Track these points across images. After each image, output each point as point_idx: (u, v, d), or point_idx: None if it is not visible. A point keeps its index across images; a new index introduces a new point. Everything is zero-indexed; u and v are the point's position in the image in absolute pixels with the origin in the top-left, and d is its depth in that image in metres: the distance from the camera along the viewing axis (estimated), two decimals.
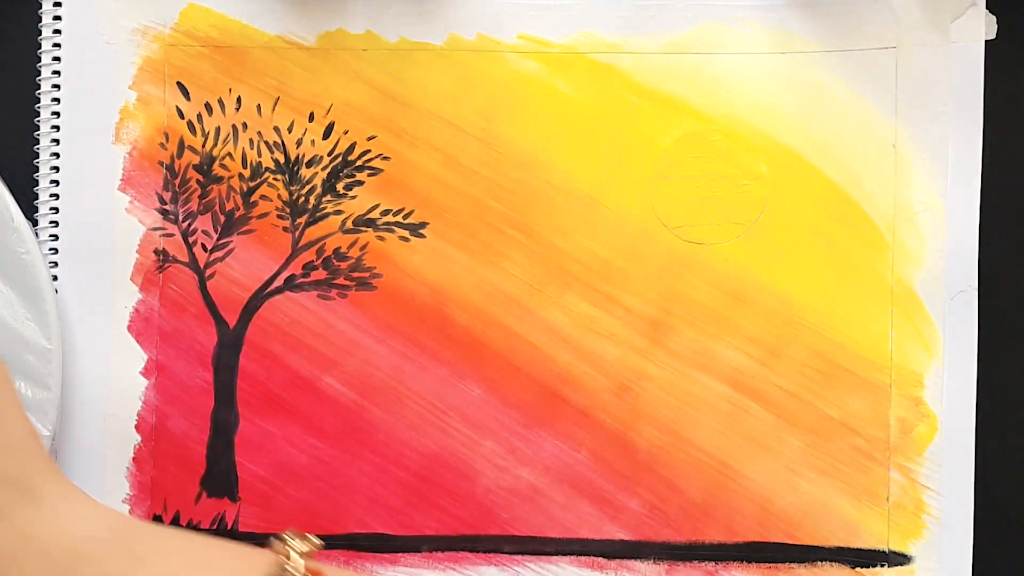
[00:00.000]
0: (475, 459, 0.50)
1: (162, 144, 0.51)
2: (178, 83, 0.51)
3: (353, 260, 0.51)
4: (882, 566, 0.50)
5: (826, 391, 0.50)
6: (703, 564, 0.50)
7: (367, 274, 0.51)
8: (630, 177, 0.50)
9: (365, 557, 0.50)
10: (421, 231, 0.50)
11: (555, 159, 0.50)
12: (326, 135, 0.51)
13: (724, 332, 0.50)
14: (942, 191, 0.50)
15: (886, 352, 0.50)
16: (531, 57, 0.50)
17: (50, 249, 0.50)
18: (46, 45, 0.50)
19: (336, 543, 0.50)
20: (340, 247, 0.51)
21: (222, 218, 0.51)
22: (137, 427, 0.50)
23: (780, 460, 0.50)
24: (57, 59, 0.50)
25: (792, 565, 0.50)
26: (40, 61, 0.51)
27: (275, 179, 0.51)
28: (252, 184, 0.51)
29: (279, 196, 0.51)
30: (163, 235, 0.50)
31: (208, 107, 0.51)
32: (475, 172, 0.50)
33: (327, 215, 0.51)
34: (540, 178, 0.50)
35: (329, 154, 0.51)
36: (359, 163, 0.51)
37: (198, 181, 0.51)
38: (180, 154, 0.51)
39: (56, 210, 0.50)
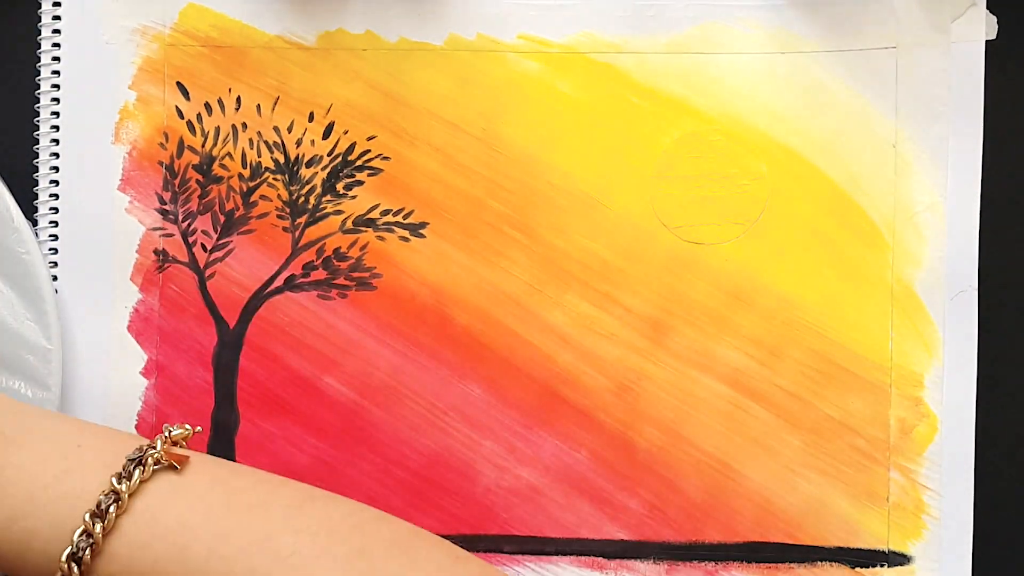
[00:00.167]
0: (475, 459, 0.50)
1: (162, 144, 0.51)
2: (178, 83, 0.51)
3: (353, 260, 0.51)
4: (882, 566, 0.50)
5: (826, 391, 0.50)
6: (703, 564, 0.50)
7: (367, 274, 0.51)
8: (630, 177, 0.50)
9: None
10: (421, 231, 0.50)
11: (555, 159, 0.50)
12: (326, 135, 0.51)
13: (724, 332, 0.50)
14: (942, 191, 0.50)
15: (886, 352, 0.50)
16: (531, 57, 0.50)
17: (50, 249, 0.50)
18: (46, 45, 0.50)
19: None
20: (340, 247, 0.51)
21: (222, 218, 0.51)
22: (137, 427, 0.50)
23: (780, 460, 0.50)
24: (57, 59, 0.50)
25: (792, 565, 0.50)
26: (40, 61, 0.50)
27: (275, 179, 0.51)
28: (252, 184, 0.51)
29: (279, 196, 0.51)
30: (163, 235, 0.50)
31: (208, 107, 0.51)
32: (475, 172, 0.50)
33: (327, 215, 0.51)
34: (540, 178, 0.50)
35: (329, 154, 0.51)
36: (359, 163, 0.51)
37: (198, 181, 0.51)
38: (180, 154, 0.51)
39: (56, 210, 0.50)
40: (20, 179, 0.50)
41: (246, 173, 0.51)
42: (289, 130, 0.51)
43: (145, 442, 0.40)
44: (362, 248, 0.51)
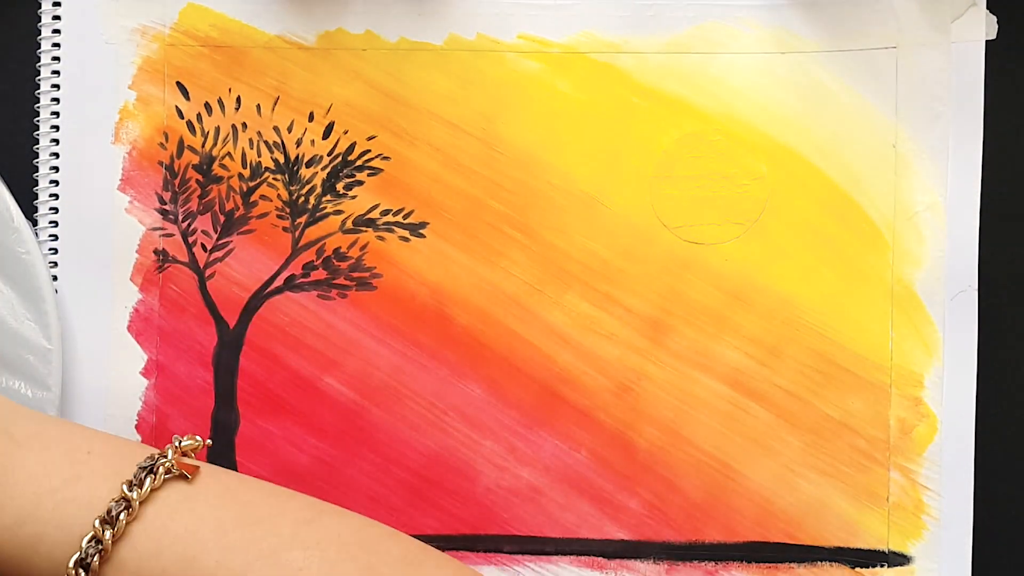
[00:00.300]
0: (475, 459, 0.50)
1: (162, 144, 0.51)
2: (178, 83, 0.51)
3: (353, 260, 0.51)
4: (882, 566, 0.50)
5: (826, 391, 0.50)
6: (703, 564, 0.50)
7: (367, 274, 0.51)
8: (630, 177, 0.50)
9: None
10: (421, 231, 0.50)
11: (555, 159, 0.50)
12: (326, 135, 0.51)
13: (724, 332, 0.50)
14: (942, 191, 0.50)
15: (886, 352, 0.50)
16: (531, 57, 0.50)
17: (50, 249, 0.50)
18: (45, 45, 0.50)
19: None
20: (340, 247, 0.51)
21: (222, 218, 0.51)
22: (137, 427, 0.50)
23: (780, 460, 0.50)
24: (57, 59, 0.50)
25: (792, 565, 0.50)
26: (40, 61, 0.50)
27: (275, 179, 0.51)
28: (252, 184, 0.51)
29: (279, 196, 0.51)
30: (163, 235, 0.50)
31: (208, 107, 0.51)
32: (475, 172, 0.50)
33: (327, 215, 0.51)
34: (540, 178, 0.50)
35: (329, 154, 0.51)
36: (359, 163, 0.51)
37: (198, 181, 0.51)
38: (180, 154, 0.51)
39: (56, 210, 0.50)
40: (20, 179, 0.50)
41: (246, 173, 0.51)
42: (289, 130, 0.51)
43: (155, 451, 0.40)
44: (362, 248, 0.51)
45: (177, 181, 0.51)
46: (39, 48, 0.51)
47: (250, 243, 0.51)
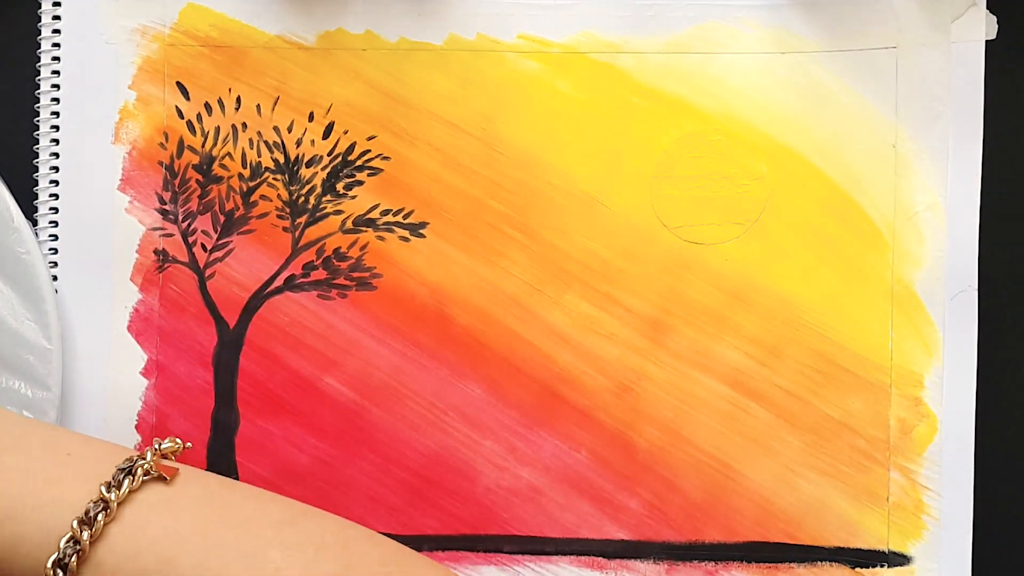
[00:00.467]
0: (475, 459, 0.50)
1: (162, 144, 0.51)
2: (178, 83, 0.51)
3: (353, 260, 0.51)
4: (882, 566, 0.50)
5: (826, 391, 0.50)
6: (703, 564, 0.50)
7: (367, 274, 0.51)
8: (630, 177, 0.50)
9: None
10: (421, 231, 0.50)
11: (555, 159, 0.50)
12: (326, 135, 0.51)
13: (724, 332, 0.50)
14: (942, 191, 0.50)
15: (886, 352, 0.50)
16: (531, 57, 0.50)
17: (50, 249, 0.50)
18: (45, 45, 0.50)
19: None
20: (340, 247, 0.51)
21: (222, 218, 0.51)
22: (137, 427, 0.50)
23: (780, 460, 0.50)
24: (57, 59, 0.50)
25: (792, 565, 0.50)
26: (40, 61, 0.50)
27: (275, 179, 0.51)
28: (252, 184, 0.51)
29: (279, 196, 0.51)
30: (163, 235, 0.50)
31: (208, 107, 0.51)
32: (475, 172, 0.50)
33: (327, 215, 0.51)
34: (540, 178, 0.50)
35: (329, 154, 0.51)
36: (359, 163, 0.51)
37: (198, 181, 0.51)
38: (180, 154, 0.51)
39: (56, 210, 0.50)
40: (20, 179, 0.50)
41: (246, 173, 0.51)
42: (289, 130, 0.51)
43: (135, 454, 0.40)
44: (362, 248, 0.51)
45: (177, 181, 0.51)
46: (39, 48, 0.51)
47: (250, 243, 0.51)
